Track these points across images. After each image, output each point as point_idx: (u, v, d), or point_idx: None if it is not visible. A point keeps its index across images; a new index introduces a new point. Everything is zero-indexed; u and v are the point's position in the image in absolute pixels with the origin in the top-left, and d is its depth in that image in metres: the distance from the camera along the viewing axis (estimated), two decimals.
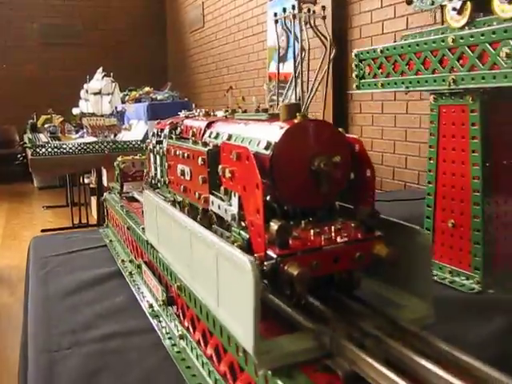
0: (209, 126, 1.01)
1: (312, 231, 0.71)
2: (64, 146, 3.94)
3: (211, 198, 0.86)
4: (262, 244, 0.68)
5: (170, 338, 0.93)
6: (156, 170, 1.23)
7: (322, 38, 0.95)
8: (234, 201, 0.78)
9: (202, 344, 0.81)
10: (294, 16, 0.94)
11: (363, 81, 1.24)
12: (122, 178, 1.56)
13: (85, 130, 4.71)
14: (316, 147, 0.75)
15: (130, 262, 1.32)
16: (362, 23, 3.58)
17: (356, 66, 1.26)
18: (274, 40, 5.06)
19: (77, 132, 5.01)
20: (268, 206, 0.71)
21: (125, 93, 5.59)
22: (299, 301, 0.72)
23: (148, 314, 1.05)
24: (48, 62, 8.34)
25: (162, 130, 1.22)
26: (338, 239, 0.71)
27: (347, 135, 0.78)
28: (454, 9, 1.06)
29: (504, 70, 0.87)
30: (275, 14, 0.98)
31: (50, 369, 0.84)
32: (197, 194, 0.91)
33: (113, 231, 1.59)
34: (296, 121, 0.75)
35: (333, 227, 0.73)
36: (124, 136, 4.41)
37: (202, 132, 1.01)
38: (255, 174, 0.69)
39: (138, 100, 5.52)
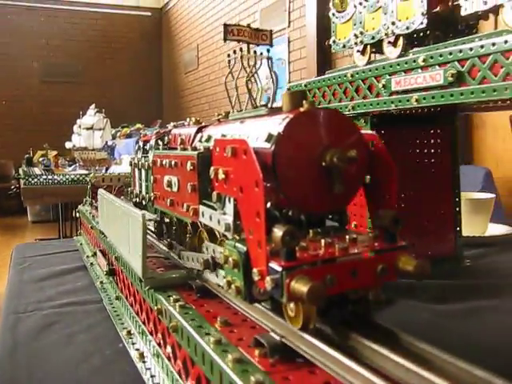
0: (199, 131, 0.92)
1: (323, 241, 0.57)
2: (55, 177, 3.96)
3: (201, 208, 0.74)
4: (263, 255, 0.54)
5: (109, 300, 1.16)
6: (141, 186, 1.13)
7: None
8: (229, 207, 0.66)
9: (130, 300, 1.01)
10: (242, 57, 0.91)
11: None
12: (93, 191, 1.71)
13: (77, 164, 4.68)
14: (327, 139, 0.61)
15: (92, 256, 1.48)
16: None
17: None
18: (264, 81, 5.03)
19: (70, 166, 5.02)
20: (269, 215, 0.56)
21: (117, 129, 5.57)
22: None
23: (98, 289, 1.26)
24: (48, 99, 8.30)
25: (147, 142, 1.15)
26: (355, 249, 0.57)
27: (362, 131, 0.65)
28: (358, 51, 1.27)
29: (383, 98, 1.05)
30: (228, 55, 0.95)
31: (16, 323, 1.08)
32: (185, 206, 0.79)
33: (84, 237, 1.81)
34: (302, 109, 0.61)
35: (347, 237, 0.58)
36: (114, 170, 4.36)
37: (192, 138, 0.92)
38: (254, 168, 0.55)
39: (128, 136, 5.50)
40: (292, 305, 0.55)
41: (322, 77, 1.29)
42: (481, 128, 3.60)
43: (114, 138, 5.27)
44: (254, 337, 0.60)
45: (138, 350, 0.86)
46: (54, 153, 5.36)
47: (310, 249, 0.56)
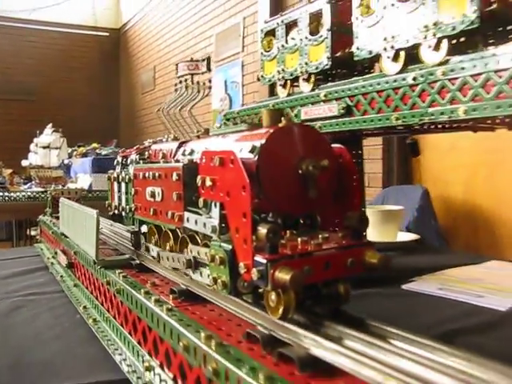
0: (180, 146, 1.03)
1: (299, 239, 0.67)
2: (11, 194, 4.05)
3: (186, 214, 0.85)
4: (249, 250, 0.65)
5: (68, 288, 1.42)
6: (120, 198, 1.26)
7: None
8: (215, 211, 0.75)
9: (86, 284, 1.30)
10: (187, 86, 1.16)
11: None
12: (53, 203, 1.97)
13: (33, 182, 4.79)
14: (303, 151, 0.72)
15: (53, 257, 1.73)
16: None
17: (226, 120, 1.69)
18: (218, 103, 5.29)
19: (25, 183, 5.08)
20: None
21: (74, 148, 5.73)
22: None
23: (59, 282, 1.53)
24: (3, 117, 8.36)
25: (126, 158, 1.27)
26: (328, 246, 0.68)
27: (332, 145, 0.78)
28: (280, 85, 1.52)
29: None
30: (175, 85, 1.23)
31: None
32: (169, 213, 0.90)
33: (44, 244, 2.07)
34: (281, 125, 0.73)
35: (319, 236, 0.69)
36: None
37: (174, 152, 1.03)
38: (242, 175, 0.66)
39: (84, 155, 5.65)
40: (273, 296, 0.64)
41: (250, 106, 1.60)
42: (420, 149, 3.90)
43: (70, 156, 5.42)
44: (170, 288, 0.90)
45: (92, 317, 1.13)
46: (10, 171, 5.44)
47: (288, 245, 0.65)
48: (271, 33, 1.57)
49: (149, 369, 0.83)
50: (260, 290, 0.71)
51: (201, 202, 0.78)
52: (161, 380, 0.79)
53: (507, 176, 3.32)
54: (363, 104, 1.19)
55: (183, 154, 0.99)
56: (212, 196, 0.75)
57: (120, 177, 1.23)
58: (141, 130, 7.74)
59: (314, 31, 1.40)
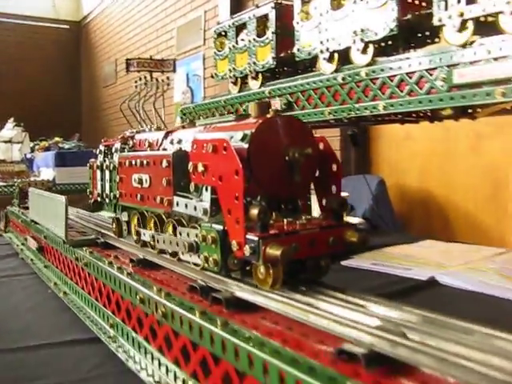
0: (166, 135, 1.10)
1: (285, 220, 0.77)
2: None
3: (175, 199, 0.93)
4: (241, 229, 0.73)
5: (39, 269, 1.62)
6: (103, 186, 1.31)
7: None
8: (206, 195, 0.84)
9: (55, 263, 1.48)
10: (146, 83, 1.31)
11: None
12: (21, 194, 2.15)
13: None
14: (289, 139, 0.81)
15: (23, 244, 1.91)
16: None
17: (183, 114, 1.94)
18: (180, 96, 5.43)
19: None
20: None
21: (36, 142, 5.78)
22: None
23: (30, 265, 1.73)
24: None
25: (108, 147, 1.32)
26: (312, 226, 0.77)
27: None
28: (231, 82, 1.71)
29: None
30: (135, 81, 1.39)
31: None
32: (158, 198, 0.98)
33: (13, 233, 2.24)
34: (269, 116, 0.82)
35: (303, 217, 0.79)
36: None
37: (160, 141, 1.10)
38: (235, 161, 0.74)
39: (47, 149, 5.69)
40: (262, 269, 0.73)
41: (205, 101, 1.79)
42: (377, 139, 4.08)
43: (32, 150, 5.47)
44: (130, 258, 1.08)
45: (63, 291, 1.31)
46: None
47: (275, 226, 0.75)
48: (223, 34, 1.75)
49: (113, 325, 1.02)
50: (247, 268, 0.81)
51: (192, 186, 0.87)
52: (123, 333, 0.98)
53: (458, 164, 3.54)
54: (302, 100, 1.37)
55: (171, 143, 1.06)
56: (203, 181, 0.83)
57: (104, 165, 1.30)
58: (104, 123, 7.82)
59: (260, 33, 1.57)
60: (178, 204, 0.92)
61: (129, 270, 1.01)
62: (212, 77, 1.82)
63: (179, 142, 1.03)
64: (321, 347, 0.59)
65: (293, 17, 1.42)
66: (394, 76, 1.13)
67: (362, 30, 1.20)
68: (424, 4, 1.14)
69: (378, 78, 1.16)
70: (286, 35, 1.50)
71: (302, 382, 0.53)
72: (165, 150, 1.04)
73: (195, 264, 0.91)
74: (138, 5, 6.52)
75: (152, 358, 0.88)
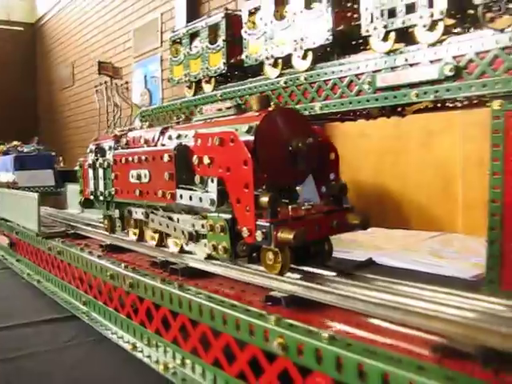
0: (163, 132, 1.16)
1: (290, 207, 0.84)
2: None
3: (179, 191, 0.98)
4: (252, 216, 0.80)
5: (11, 264, 1.83)
6: (96, 184, 1.35)
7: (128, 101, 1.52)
8: (212, 186, 0.89)
9: (28, 256, 1.68)
10: (106, 87, 1.47)
11: None
12: None
13: None
14: (291, 130, 0.87)
15: None
16: None
17: (142, 117, 2.07)
18: (138, 98, 5.56)
19: None
20: None
21: None
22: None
23: (1, 260, 1.94)
24: None
25: (99, 146, 1.37)
26: (316, 211, 0.85)
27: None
28: (187, 86, 1.87)
29: None
30: (95, 86, 1.55)
31: None
32: (160, 192, 1.03)
33: None
34: (271, 109, 0.89)
35: (306, 203, 0.87)
36: None
37: (157, 138, 1.15)
38: (244, 152, 0.80)
39: (5, 153, 5.74)
40: (271, 255, 0.81)
41: (163, 105, 2.00)
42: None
43: None
44: (99, 244, 1.27)
45: (36, 279, 1.47)
46: None
47: (281, 212, 0.81)
48: (178, 41, 1.92)
49: (86, 303, 1.19)
50: (254, 254, 0.89)
51: (197, 178, 0.94)
52: (95, 308, 1.16)
53: (410, 160, 3.75)
54: (250, 102, 1.55)
55: (169, 139, 1.11)
56: (209, 172, 0.89)
57: (97, 163, 1.34)
58: (62, 126, 7.84)
59: (212, 41, 1.75)
60: (181, 197, 0.98)
61: (99, 253, 1.18)
62: (168, 81, 2.00)
63: (178, 137, 1.08)
64: (254, 298, 0.79)
65: (241, 26, 1.60)
66: (329, 80, 1.31)
67: (302, 39, 1.38)
68: (356, 16, 1.31)
69: (315, 82, 1.35)
70: (235, 43, 1.67)
71: (240, 319, 0.72)
72: (163, 145, 1.09)
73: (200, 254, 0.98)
74: (95, 6, 6.58)
75: (121, 324, 1.06)
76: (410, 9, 1.13)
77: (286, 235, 0.76)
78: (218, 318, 0.77)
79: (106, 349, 1.06)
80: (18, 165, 5.13)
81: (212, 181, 0.89)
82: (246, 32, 1.58)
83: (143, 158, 1.08)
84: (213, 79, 1.77)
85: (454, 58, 1.05)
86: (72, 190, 2.17)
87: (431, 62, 1.10)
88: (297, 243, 0.76)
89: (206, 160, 0.88)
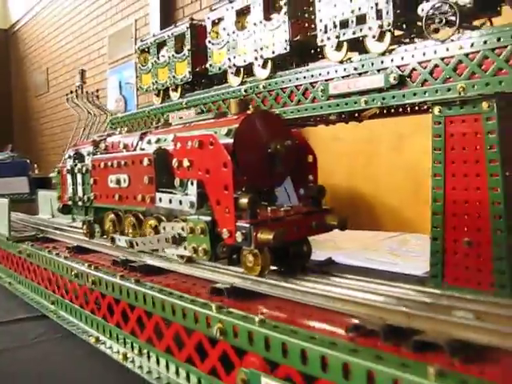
0: (142, 137, 1.17)
1: (269, 208, 0.86)
2: None
3: (158, 195, 1.01)
4: (232, 218, 0.82)
5: None
6: (75, 190, 1.36)
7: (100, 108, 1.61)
8: (191, 189, 0.92)
9: None
10: (77, 95, 1.56)
11: None
12: None
13: None
14: (270, 133, 0.90)
15: None
16: None
17: (112, 124, 2.12)
18: (113, 104, 5.62)
19: None
20: None
21: None
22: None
23: None
24: None
25: (77, 152, 1.38)
26: (295, 212, 0.88)
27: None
28: (155, 94, 1.96)
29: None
30: (66, 94, 1.64)
31: None
32: (139, 196, 1.05)
33: None
34: (250, 112, 0.91)
35: (285, 205, 0.90)
36: None
37: (136, 143, 1.17)
38: (223, 154, 0.82)
39: None
40: (251, 258, 0.83)
41: (131, 112, 2.08)
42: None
43: None
44: (66, 246, 1.34)
45: (7, 282, 1.54)
46: None
47: (260, 213, 0.83)
48: (146, 50, 2.00)
49: (54, 302, 1.27)
50: (234, 256, 0.89)
51: (177, 181, 0.94)
52: (62, 306, 1.24)
53: (382, 163, 3.85)
54: (213, 109, 1.63)
55: (148, 143, 1.13)
56: (189, 175, 0.91)
57: (75, 169, 1.35)
58: (37, 132, 7.86)
59: (178, 50, 1.83)
60: (161, 200, 1.00)
61: (65, 254, 1.26)
62: (137, 90, 2.08)
63: (158, 141, 1.11)
64: (202, 290, 0.88)
65: (206, 36, 1.68)
66: (286, 88, 1.40)
67: (262, 49, 1.46)
68: (313, 26, 1.39)
69: (273, 90, 1.43)
70: (200, 52, 1.75)
71: (186, 309, 0.80)
72: (143, 149, 1.11)
73: (181, 256, 1.01)
74: (69, 12, 6.62)
75: (86, 320, 1.15)
76: (361, 20, 1.21)
77: (266, 236, 0.78)
78: (168, 308, 0.86)
79: (72, 344, 1.14)
80: None
81: (192, 183, 0.92)
82: (209, 42, 1.66)
83: (122, 162, 1.10)
84: (179, 87, 1.85)
85: (399, 67, 1.13)
86: (43, 196, 2.22)
87: (378, 70, 1.18)
88: (276, 243, 0.79)
89: (186, 163, 0.90)
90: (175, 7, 4.81)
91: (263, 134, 0.90)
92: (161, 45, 1.93)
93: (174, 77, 1.85)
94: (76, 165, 1.34)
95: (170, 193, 0.97)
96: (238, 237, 0.80)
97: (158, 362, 0.93)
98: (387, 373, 0.55)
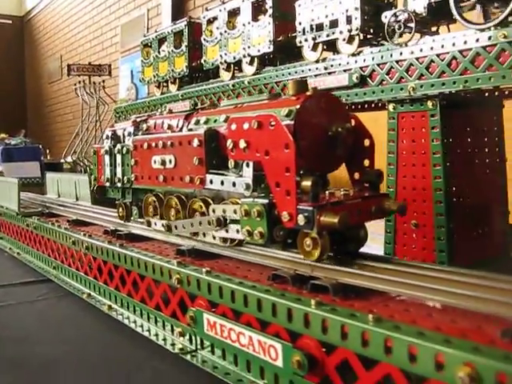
0: (187, 117, 1.16)
1: (327, 192, 0.85)
2: None
3: (209, 177, 0.99)
4: (293, 201, 0.80)
5: None
6: (113, 171, 1.35)
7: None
8: (247, 171, 0.90)
9: (9, 234, 2.00)
10: (84, 86, 1.77)
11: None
12: None
13: None
14: (329, 115, 0.87)
15: None
16: None
17: (116, 113, 2.29)
18: (125, 92, 5.83)
19: None
20: None
21: None
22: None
23: None
24: None
25: (114, 133, 1.38)
26: (355, 196, 0.87)
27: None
28: (156, 86, 2.18)
29: None
30: (75, 84, 1.85)
31: None
32: (187, 178, 1.04)
33: None
34: (309, 93, 0.88)
35: (341, 189, 0.87)
36: None
37: (182, 123, 1.16)
38: (285, 135, 0.80)
39: None
40: (309, 241, 0.82)
41: (134, 102, 2.32)
42: None
43: None
44: (67, 220, 1.54)
45: (16, 252, 1.77)
46: None
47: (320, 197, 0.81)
48: (149, 45, 2.20)
49: (55, 267, 1.50)
50: (289, 241, 0.88)
51: (231, 163, 0.93)
52: (62, 270, 1.46)
53: None
54: (205, 102, 1.83)
55: (196, 124, 1.11)
56: (245, 157, 0.89)
57: (115, 149, 1.34)
58: (50, 119, 8.06)
59: (177, 45, 2.03)
60: (211, 182, 0.98)
61: (66, 226, 1.48)
62: (140, 81, 2.29)
63: (207, 122, 1.08)
64: (171, 252, 1.13)
65: (201, 33, 1.88)
66: (268, 84, 1.59)
67: (249, 47, 1.66)
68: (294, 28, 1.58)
69: (257, 85, 1.63)
70: (196, 48, 1.95)
71: (155, 265, 1.04)
72: (190, 130, 1.10)
73: (224, 239, 1.03)
74: (83, 1, 6.79)
75: (80, 280, 1.39)
76: (334, 24, 1.39)
77: (330, 219, 0.77)
78: (142, 265, 1.09)
79: (70, 301, 1.37)
80: (5, 157, 5.37)
81: (247, 165, 0.90)
82: (204, 39, 1.86)
83: (169, 143, 1.09)
84: (177, 80, 2.04)
85: (361, 68, 1.31)
86: (50, 178, 2.44)
87: (344, 70, 1.37)
88: (341, 227, 0.77)
89: (242, 144, 0.89)
90: None
91: (323, 116, 0.88)
92: (162, 40, 2.12)
93: (172, 70, 2.04)
94: (115, 145, 1.34)
95: (222, 174, 0.97)
96: (300, 220, 0.79)
97: (134, 310, 1.17)
98: (285, 304, 0.77)
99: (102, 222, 1.49)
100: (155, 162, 1.13)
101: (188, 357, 0.95)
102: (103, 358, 1.03)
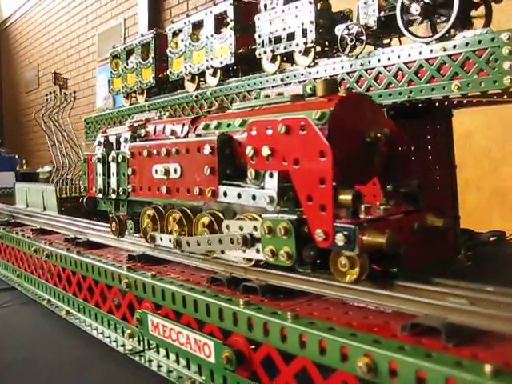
0: (194, 122, 1.06)
1: (362, 206, 0.73)
2: None
3: (222, 188, 0.88)
4: (329, 217, 0.69)
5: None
6: (107, 181, 1.23)
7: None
8: (270, 182, 0.79)
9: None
10: (55, 97, 1.84)
11: (89, 133, 2.38)
12: None
13: None
14: (365, 119, 0.79)
15: None
16: None
17: (86, 124, 2.35)
18: (102, 101, 5.87)
19: None
20: None
21: None
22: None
23: None
24: None
25: (107, 139, 1.27)
26: (395, 211, 0.77)
27: None
28: (124, 97, 2.20)
29: None
30: (46, 95, 1.91)
31: None
32: (196, 189, 0.94)
33: None
34: (342, 94, 0.80)
35: (377, 203, 0.79)
36: None
37: (187, 128, 1.06)
38: (320, 141, 0.70)
39: None
40: (344, 261, 0.70)
41: (102, 113, 2.38)
42: None
43: None
44: (31, 228, 1.59)
45: None
46: None
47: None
48: (118, 56, 2.27)
49: (19, 275, 1.57)
50: (318, 261, 0.78)
51: (251, 173, 0.82)
52: (25, 278, 1.52)
53: None
54: (171, 112, 1.90)
55: (205, 129, 0.99)
56: (269, 166, 0.79)
57: (109, 157, 1.22)
58: (26, 128, 8.06)
59: (145, 57, 2.09)
60: (225, 194, 0.88)
61: (29, 235, 1.54)
62: (109, 92, 2.35)
63: (218, 126, 0.98)
64: (124, 258, 1.19)
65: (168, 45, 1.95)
66: (229, 95, 1.66)
67: (212, 59, 1.72)
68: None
69: (219, 96, 1.70)
70: (163, 60, 2.02)
71: (107, 270, 1.09)
72: (199, 135, 1.00)
73: (248, 259, 0.90)
74: (59, 11, 6.83)
75: (41, 287, 1.45)
76: (291, 37, 1.47)
77: (376, 239, 0.68)
78: (96, 270, 1.17)
79: (32, 308, 1.44)
80: None
81: (271, 175, 0.80)
82: (170, 51, 1.93)
83: (173, 150, 0.99)
84: (145, 91, 2.11)
85: (314, 79, 1.39)
86: (20, 188, 2.50)
87: (300, 82, 1.44)
88: (389, 248, 0.68)
89: (266, 151, 0.80)
90: (163, 8, 5.05)
91: (360, 120, 0.79)
92: (130, 52, 2.19)
93: (140, 82, 2.11)
94: (109, 152, 1.23)
95: (238, 185, 0.87)
96: (339, 239, 0.69)
97: (90, 314, 1.25)
98: (217, 304, 0.85)
99: (65, 231, 1.56)
100: (157, 171, 1.05)
101: (136, 357, 1.02)
102: (58, 361, 1.10)
